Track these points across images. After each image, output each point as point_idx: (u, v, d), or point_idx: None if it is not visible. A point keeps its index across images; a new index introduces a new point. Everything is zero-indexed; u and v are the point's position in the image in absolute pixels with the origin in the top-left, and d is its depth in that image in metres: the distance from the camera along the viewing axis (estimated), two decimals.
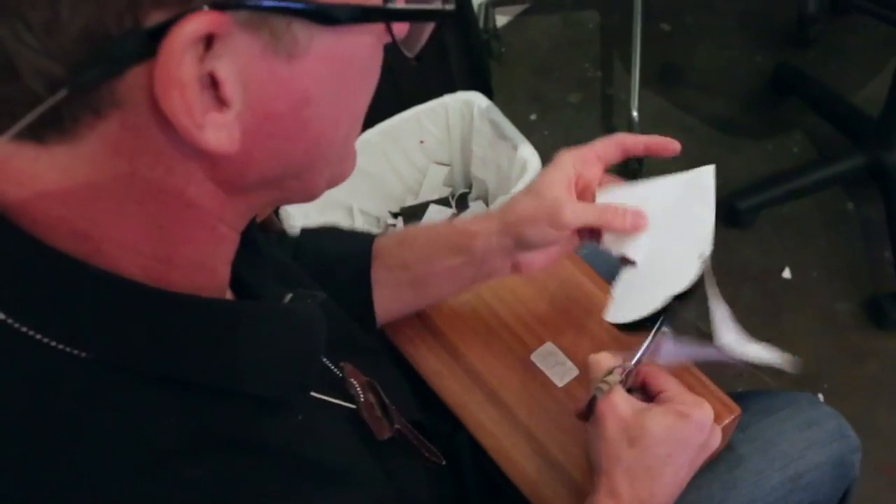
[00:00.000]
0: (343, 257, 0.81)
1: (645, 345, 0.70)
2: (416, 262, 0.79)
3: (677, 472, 0.66)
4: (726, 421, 0.81)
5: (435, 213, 1.52)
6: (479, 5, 2.03)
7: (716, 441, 0.69)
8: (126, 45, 0.35)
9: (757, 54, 2.02)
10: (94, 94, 0.36)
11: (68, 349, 0.41)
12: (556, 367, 0.84)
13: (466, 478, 0.86)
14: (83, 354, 0.41)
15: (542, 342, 0.86)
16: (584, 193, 0.76)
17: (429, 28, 0.48)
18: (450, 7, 0.45)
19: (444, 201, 1.55)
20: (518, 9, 2.19)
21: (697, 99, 1.96)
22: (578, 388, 0.82)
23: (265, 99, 0.39)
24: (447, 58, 1.67)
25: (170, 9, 0.35)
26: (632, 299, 0.73)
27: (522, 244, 0.75)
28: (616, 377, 0.66)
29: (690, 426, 0.66)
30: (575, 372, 0.83)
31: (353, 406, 0.57)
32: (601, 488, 0.65)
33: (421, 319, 0.90)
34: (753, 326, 1.61)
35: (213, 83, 0.37)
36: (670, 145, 0.76)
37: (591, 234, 0.76)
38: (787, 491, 0.84)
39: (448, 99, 1.50)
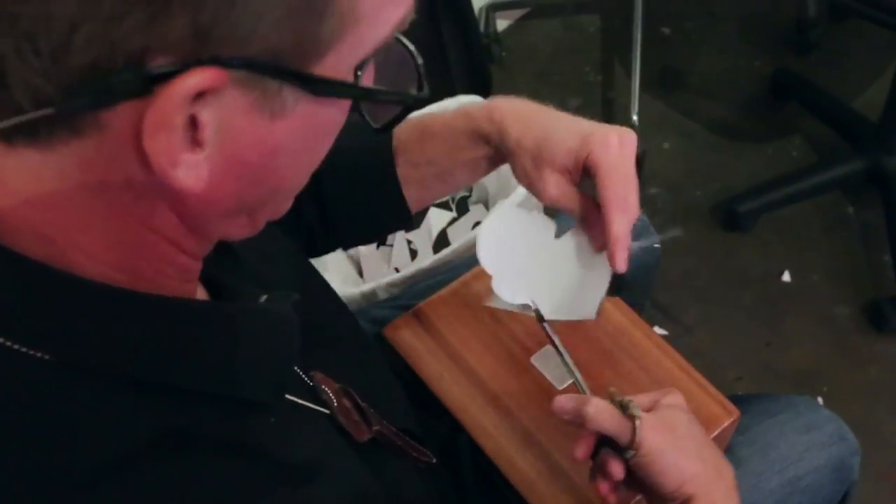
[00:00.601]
0: (364, 154, 0.81)
1: (575, 372, 0.71)
2: (440, 157, 0.79)
3: (709, 440, 0.68)
4: (725, 424, 0.81)
5: (435, 217, 1.52)
6: (480, 9, 2.04)
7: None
8: (125, 81, 0.35)
9: (757, 59, 2.03)
10: (79, 116, 0.37)
11: (30, 352, 0.41)
12: (556, 370, 0.85)
13: (466, 480, 0.86)
14: (45, 357, 0.41)
15: (541, 345, 0.87)
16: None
17: (398, 108, 0.49)
18: (424, 95, 0.47)
19: (444, 205, 1.55)
20: (519, 13, 2.19)
21: (697, 103, 1.97)
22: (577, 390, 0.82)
23: (239, 148, 0.40)
24: (448, 62, 1.68)
25: (176, 57, 0.35)
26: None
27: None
28: (630, 399, 0.66)
29: (681, 400, 0.68)
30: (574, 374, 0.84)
31: (328, 411, 0.57)
32: (702, 488, 0.63)
33: (420, 322, 0.90)
34: (753, 330, 1.62)
35: (192, 124, 0.38)
36: (612, 261, 0.70)
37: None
38: (786, 494, 0.84)
39: (449, 103, 1.50)
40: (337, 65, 0.40)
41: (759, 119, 1.94)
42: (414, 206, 0.83)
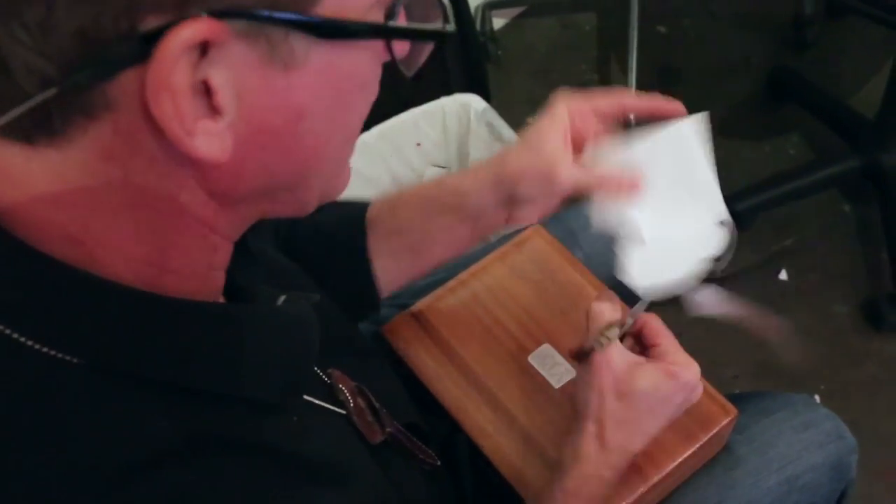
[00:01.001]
0: (336, 228, 0.79)
1: (643, 304, 0.71)
2: (411, 226, 0.78)
3: (656, 424, 0.68)
4: (723, 423, 0.81)
5: None
6: (476, 8, 2.03)
7: (696, 396, 0.71)
8: (120, 48, 0.35)
9: (754, 57, 2.03)
10: (86, 95, 0.36)
11: (59, 355, 0.41)
12: (553, 369, 0.85)
13: (464, 479, 0.86)
14: (74, 360, 0.41)
15: (539, 344, 0.86)
16: (576, 145, 0.73)
17: (428, 48, 0.48)
18: (450, 28, 0.45)
19: None
20: (515, 11, 2.19)
21: (694, 101, 1.95)
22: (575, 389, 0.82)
23: (259, 110, 0.39)
24: (444, 60, 1.68)
25: (167, 14, 0.35)
26: (654, 264, 0.72)
27: (515, 199, 0.74)
28: (615, 333, 0.67)
29: (677, 386, 0.68)
30: (572, 374, 0.83)
31: (344, 411, 0.57)
32: (586, 433, 0.67)
33: (418, 322, 0.90)
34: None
35: (206, 91, 0.37)
36: (673, 106, 0.75)
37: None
38: (783, 492, 0.84)
39: (445, 101, 1.50)
40: (342, 4, 0.39)
41: (755, 117, 1.93)
42: (386, 285, 0.81)
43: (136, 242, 0.42)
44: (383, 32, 0.42)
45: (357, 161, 1.47)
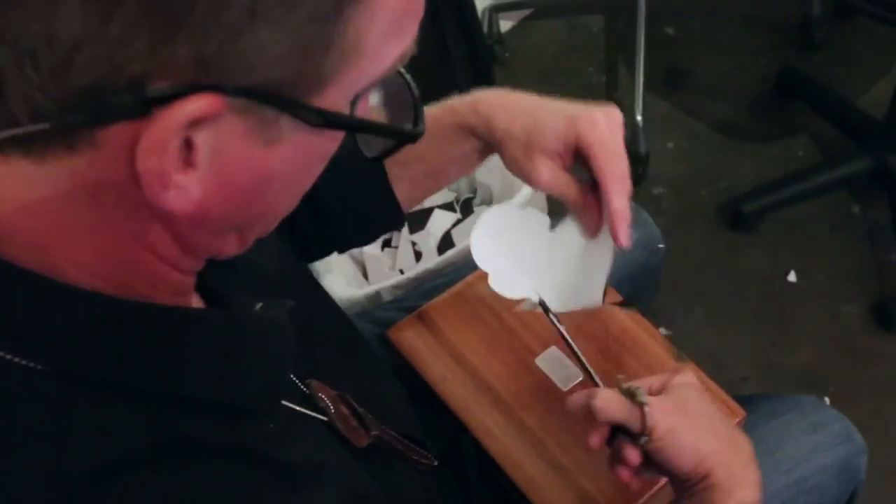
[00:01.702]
0: (354, 156, 0.80)
1: (585, 362, 0.73)
2: (430, 153, 0.79)
3: (723, 416, 0.69)
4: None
5: (440, 218, 1.52)
6: (484, 10, 2.04)
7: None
8: (124, 102, 0.35)
9: (762, 58, 2.02)
10: (74, 132, 0.36)
11: (23, 361, 0.41)
12: (561, 371, 0.85)
13: (471, 481, 0.86)
14: (38, 367, 0.41)
15: (546, 346, 0.86)
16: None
17: (393, 141, 0.49)
18: (419, 131, 0.47)
19: (448, 206, 1.55)
20: (522, 14, 2.19)
21: (702, 103, 1.96)
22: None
23: (231, 171, 0.40)
24: (451, 63, 1.68)
25: (177, 81, 0.35)
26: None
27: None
28: (637, 383, 0.67)
29: (692, 379, 0.70)
30: (579, 376, 0.83)
31: (326, 418, 0.57)
32: (718, 467, 0.63)
33: (424, 324, 0.90)
34: (759, 330, 1.61)
35: (186, 146, 0.38)
36: (621, 231, 0.69)
37: None
38: (792, 494, 0.84)
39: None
40: (336, 97, 0.40)
41: (764, 118, 1.93)
42: (406, 205, 0.83)
43: (98, 263, 0.42)
44: (364, 128, 0.44)
45: None
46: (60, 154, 0.37)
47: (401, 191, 0.81)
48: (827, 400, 1.50)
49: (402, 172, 0.81)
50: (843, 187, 1.77)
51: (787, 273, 1.67)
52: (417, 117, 0.47)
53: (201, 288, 0.53)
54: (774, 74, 1.95)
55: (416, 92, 0.48)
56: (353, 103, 0.42)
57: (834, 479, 0.87)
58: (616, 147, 0.69)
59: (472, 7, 1.67)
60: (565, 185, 0.71)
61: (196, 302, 0.53)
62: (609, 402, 0.65)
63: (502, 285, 0.75)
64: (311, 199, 0.80)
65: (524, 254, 0.76)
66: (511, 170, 0.74)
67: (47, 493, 0.39)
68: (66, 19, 0.33)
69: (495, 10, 2.07)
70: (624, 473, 0.67)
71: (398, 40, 0.41)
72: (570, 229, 0.74)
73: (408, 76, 0.47)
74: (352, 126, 0.43)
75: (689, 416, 0.65)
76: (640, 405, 0.64)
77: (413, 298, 1.01)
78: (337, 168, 0.77)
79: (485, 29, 2.04)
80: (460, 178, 0.85)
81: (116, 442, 0.41)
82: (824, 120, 1.85)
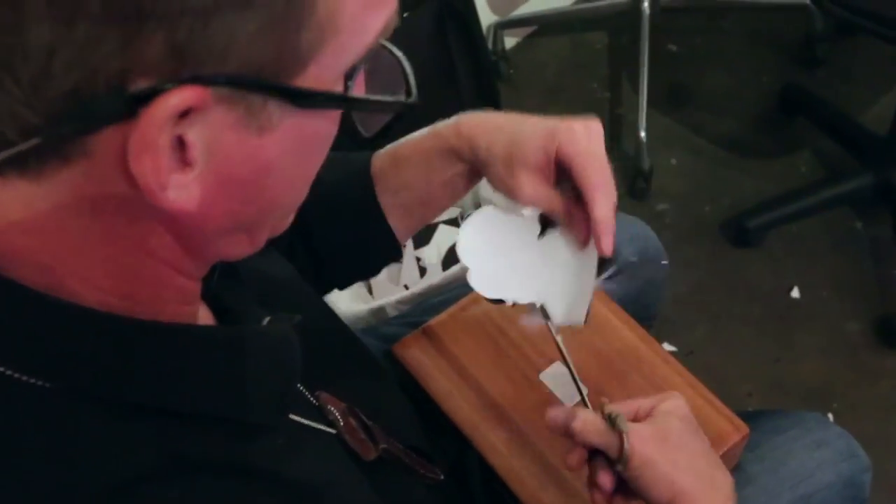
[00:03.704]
0: (345, 188, 0.80)
1: (578, 380, 0.71)
2: (416, 181, 0.79)
3: (706, 449, 0.66)
4: (734, 440, 0.81)
5: (444, 234, 1.52)
6: (488, 27, 2.05)
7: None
8: (107, 105, 0.35)
9: (764, 74, 2.03)
10: (65, 144, 0.37)
11: (31, 380, 0.41)
12: (565, 387, 0.85)
13: (476, 497, 0.86)
14: (46, 385, 0.41)
15: (550, 362, 0.87)
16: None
17: (388, 115, 0.49)
18: (412, 100, 0.46)
19: (452, 222, 1.56)
20: (526, 31, 2.20)
21: (705, 119, 1.97)
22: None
23: (229, 165, 0.40)
24: (457, 79, 1.69)
25: (156, 77, 0.35)
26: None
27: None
28: (619, 410, 0.65)
29: (684, 408, 0.66)
30: (584, 391, 0.84)
31: (334, 431, 0.58)
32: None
33: (429, 340, 0.90)
34: (763, 346, 1.61)
35: (179, 145, 0.38)
36: (605, 245, 0.69)
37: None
38: None
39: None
40: (320, 75, 0.40)
41: (766, 134, 1.94)
42: (401, 236, 0.82)
43: (104, 275, 0.42)
44: (355, 104, 0.44)
45: None
46: (56, 168, 0.37)
47: (394, 221, 0.81)
48: (831, 416, 1.50)
49: (393, 201, 0.80)
50: (845, 203, 1.78)
51: (790, 289, 1.68)
52: (409, 87, 0.47)
53: (212, 301, 0.53)
54: (777, 91, 1.96)
55: (405, 62, 0.47)
56: (348, 81, 0.42)
57: (838, 495, 0.87)
58: (597, 156, 0.69)
59: (478, 24, 1.69)
60: (548, 200, 0.71)
61: (205, 315, 0.53)
62: (587, 426, 0.63)
63: (481, 284, 0.73)
64: (307, 239, 0.80)
65: (514, 258, 0.75)
66: (496, 188, 0.74)
67: None
68: (35, 26, 0.33)
69: (500, 27, 2.08)
70: (597, 497, 0.66)
71: (377, 11, 0.41)
72: (557, 241, 0.74)
73: (393, 48, 0.47)
74: (340, 103, 0.43)
75: (669, 449, 0.63)
76: (619, 432, 0.62)
77: (418, 314, 1.01)
78: (329, 205, 0.77)
79: (490, 46, 2.05)
80: (452, 204, 0.84)
81: (125, 460, 0.41)
82: (827, 136, 1.86)
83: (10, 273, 0.41)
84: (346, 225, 0.80)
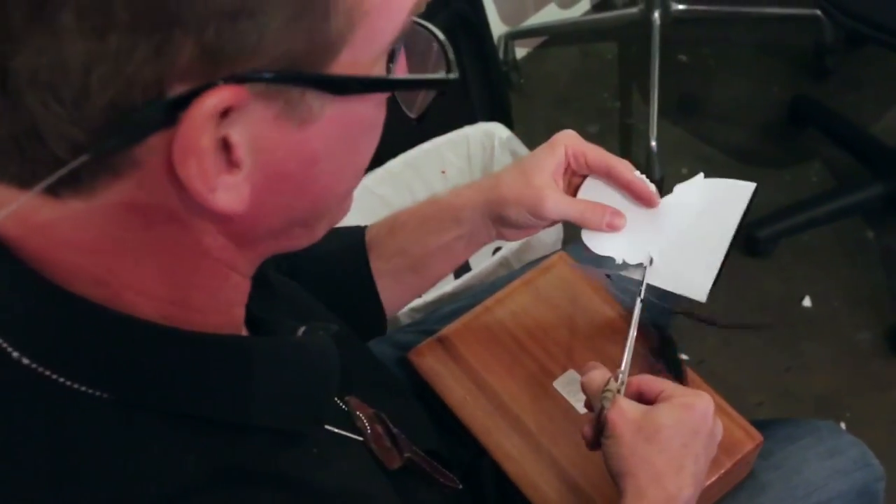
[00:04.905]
0: (338, 256, 0.81)
1: (628, 350, 0.71)
2: (410, 246, 0.80)
3: (696, 461, 0.65)
4: (748, 448, 0.81)
5: None
6: (499, 37, 2.06)
7: (720, 431, 0.69)
8: (148, 115, 0.36)
9: (774, 85, 2.04)
10: (114, 157, 0.37)
11: (89, 391, 0.42)
12: (579, 395, 0.85)
13: None
14: (104, 395, 0.42)
15: (564, 369, 0.87)
16: (567, 181, 0.78)
17: (432, 94, 0.49)
18: (453, 76, 0.46)
19: None
20: (537, 41, 2.21)
21: (716, 129, 1.97)
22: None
23: (275, 161, 0.40)
24: (468, 89, 1.70)
25: (191, 81, 0.36)
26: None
27: (503, 222, 0.77)
28: (614, 385, 0.66)
29: (697, 415, 0.65)
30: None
31: (361, 438, 0.58)
32: (627, 492, 0.64)
33: (444, 347, 0.91)
34: (773, 355, 1.60)
35: (225, 146, 0.38)
36: (650, 195, 0.76)
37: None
38: None
39: (469, 130, 1.52)
40: (355, 61, 0.40)
41: (777, 145, 1.94)
42: (390, 305, 0.83)
43: (159, 283, 0.43)
44: (392, 85, 0.44)
45: (383, 188, 1.50)
46: (108, 182, 0.38)
47: (384, 287, 0.81)
48: (843, 426, 1.50)
49: (383, 267, 0.81)
50: (856, 213, 1.78)
51: (801, 298, 1.68)
52: (449, 63, 0.47)
53: (247, 317, 0.53)
54: (787, 101, 1.96)
55: (443, 37, 0.47)
56: (390, 63, 0.42)
57: None
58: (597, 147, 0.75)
59: (489, 34, 1.70)
60: (572, 201, 0.75)
61: (242, 332, 0.53)
62: (589, 383, 0.68)
63: (594, 240, 0.76)
64: None
65: (632, 216, 0.76)
66: (520, 210, 0.75)
67: None
68: (69, 43, 0.33)
69: (511, 38, 2.09)
70: (586, 431, 0.69)
71: None
72: (675, 207, 0.75)
73: (428, 24, 0.46)
74: (378, 86, 0.43)
75: (641, 437, 0.64)
76: (601, 406, 0.65)
77: (431, 322, 1.02)
78: (321, 274, 0.78)
79: (501, 56, 2.06)
80: (447, 273, 0.84)
81: (178, 471, 0.42)
82: (837, 147, 1.86)
83: (68, 286, 0.41)
84: (337, 292, 0.78)
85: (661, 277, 0.75)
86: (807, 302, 1.67)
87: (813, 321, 1.65)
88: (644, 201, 0.76)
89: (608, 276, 0.78)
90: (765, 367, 1.59)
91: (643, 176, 0.76)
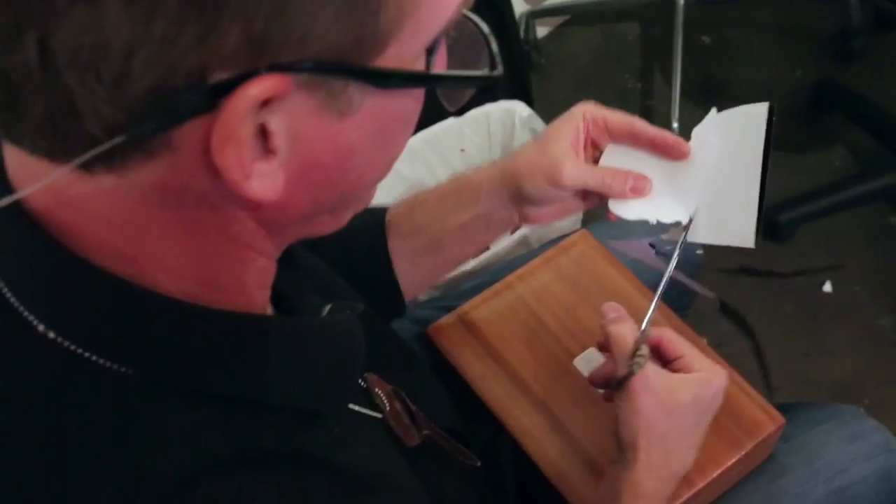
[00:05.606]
0: (357, 234, 0.80)
1: (651, 310, 0.70)
2: (428, 224, 0.79)
3: (701, 435, 0.68)
4: (770, 430, 0.80)
5: None
6: (520, 16, 2.04)
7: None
8: (188, 99, 0.35)
9: (798, 68, 2.01)
10: (149, 139, 0.37)
11: (114, 366, 0.42)
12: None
13: (507, 482, 0.86)
14: (128, 371, 0.42)
15: (583, 347, 0.87)
16: (588, 149, 0.75)
17: (471, 91, 0.49)
18: (497, 73, 0.45)
19: None
20: (558, 20, 2.19)
21: None
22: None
23: (311, 151, 0.40)
24: None
25: (235, 68, 0.35)
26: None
27: (522, 197, 0.75)
28: (646, 352, 0.66)
29: (712, 392, 0.67)
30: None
31: (380, 415, 0.58)
32: (637, 464, 0.65)
33: (464, 324, 0.90)
34: (794, 340, 1.59)
35: (262, 133, 0.38)
36: (678, 147, 0.73)
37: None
38: (831, 503, 0.84)
39: (490, 108, 1.51)
40: (400, 54, 0.39)
41: (800, 128, 1.92)
42: (407, 289, 0.82)
43: (185, 263, 0.43)
44: (435, 81, 0.43)
45: (401, 165, 1.49)
46: (141, 162, 0.37)
47: (401, 268, 0.80)
48: (863, 411, 1.48)
49: (401, 247, 0.80)
50: (879, 199, 1.75)
51: (822, 283, 1.66)
52: (494, 59, 0.46)
53: (272, 294, 0.53)
54: (811, 84, 1.94)
55: (487, 30, 0.46)
56: (429, 57, 0.41)
57: (873, 489, 0.86)
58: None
59: (510, 13, 1.68)
60: (593, 168, 0.73)
61: (267, 311, 0.53)
62: (618, 337, 0.67)
63: (622, 207, 0.73)
64: None
65: (658, 174, 0.73)
66: (537, 180, 0.73)
67: (137, 497, 0.40)
68: (114, 25, 0.33)
69: (532, 17, 2.07)
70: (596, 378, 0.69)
71: None
72: (704, 143, 0.73)
73: (475, 18, 0.46)
74: (422, 81, 0.42)
75: (658, 412, 0.64)
76: (630, 367, 0.64)
77: (451, 298, 1.01)
78: (338, 253, 0.78)
79: (521, 35, 2.04)
80: (465, 256, 0.83)
81: (199, 448, 0.42)
82: (861, 131, 1.83)
83: (94, 261, 0.41)
84: (356, 272, 0.77)
85: (702, 232, 0.72)
86: (827, 287, 1.66)
87: (833, 306, 1.63)
88: (673, 152, 0.73)
89: (651, 244, 0.76)
90: (783, 352, 1.58)
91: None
